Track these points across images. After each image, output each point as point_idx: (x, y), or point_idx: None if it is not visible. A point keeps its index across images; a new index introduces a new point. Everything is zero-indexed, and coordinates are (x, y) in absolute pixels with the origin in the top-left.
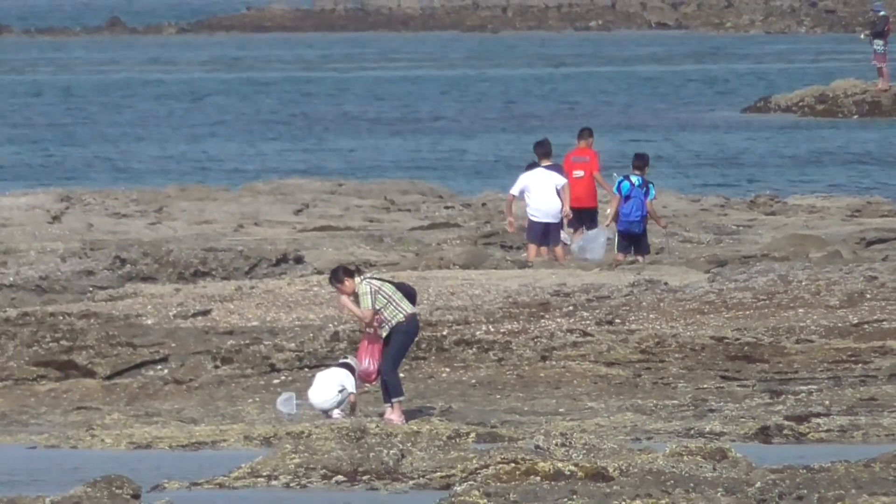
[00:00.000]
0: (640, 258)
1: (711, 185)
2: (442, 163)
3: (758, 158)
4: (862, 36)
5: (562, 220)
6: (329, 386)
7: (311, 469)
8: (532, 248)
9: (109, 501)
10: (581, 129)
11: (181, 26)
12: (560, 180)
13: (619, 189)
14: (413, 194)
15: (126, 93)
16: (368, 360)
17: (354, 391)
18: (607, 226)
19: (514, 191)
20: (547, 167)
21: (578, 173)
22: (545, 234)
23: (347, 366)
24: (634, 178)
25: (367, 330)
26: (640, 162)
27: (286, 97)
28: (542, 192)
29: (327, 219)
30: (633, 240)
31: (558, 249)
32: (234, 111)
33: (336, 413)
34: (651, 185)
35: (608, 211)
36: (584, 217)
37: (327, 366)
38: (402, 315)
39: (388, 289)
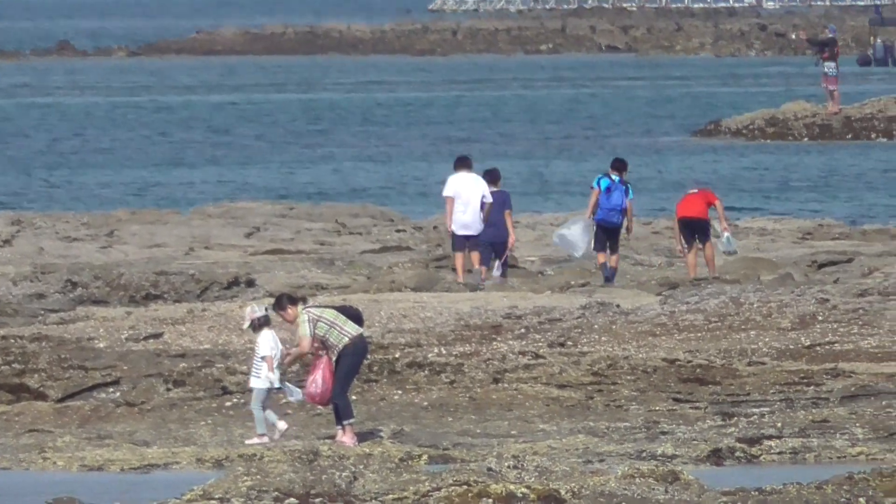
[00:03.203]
0: (613, 258)
1: (667, 211)
2: (393, 187)
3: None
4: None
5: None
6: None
7: (263, 491)
8: (458, 256)
9: None
10: None
11: (131, 49)
12: (487, 198)
13: (598, 184)
14: (364, 217)
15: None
16: (315, 381)
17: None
18: (588, 218)
19: (449, 192)
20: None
21: (693, 190)
22: (466, 243)
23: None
24: (614, 176)
25: (320, 353)
26: (620, 165)
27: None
28: (467, 204)
29: (278, 242)
30: (609, 234)
31: (475, 255)
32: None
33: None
34: (629, 186)
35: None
36: (696, 228)
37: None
38: (347, 338)
39: (329, 315)
